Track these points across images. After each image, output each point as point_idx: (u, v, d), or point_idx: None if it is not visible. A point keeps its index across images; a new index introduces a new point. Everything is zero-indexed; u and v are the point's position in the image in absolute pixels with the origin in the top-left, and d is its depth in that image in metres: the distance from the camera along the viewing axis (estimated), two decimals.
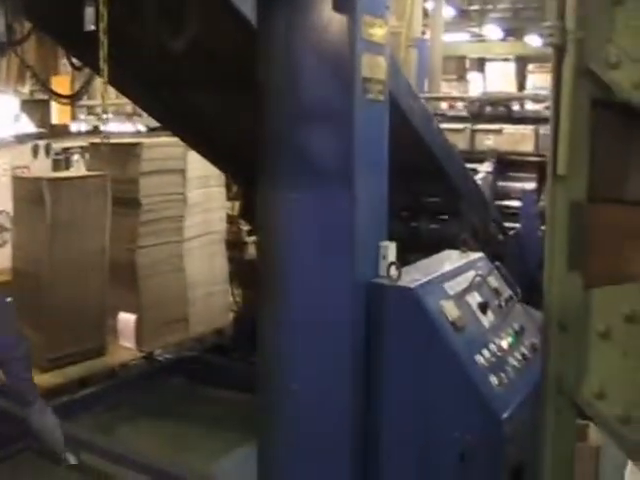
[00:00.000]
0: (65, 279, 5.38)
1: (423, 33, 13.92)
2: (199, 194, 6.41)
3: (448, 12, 18.19)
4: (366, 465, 3.01)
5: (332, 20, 2.80)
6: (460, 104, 10.02)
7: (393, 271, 2.95)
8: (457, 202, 4.81)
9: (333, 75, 2.83)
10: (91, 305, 5.57)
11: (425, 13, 14.19)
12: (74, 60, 4.99)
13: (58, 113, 12.06)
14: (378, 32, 2.88)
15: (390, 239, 3.05)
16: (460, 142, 7.46)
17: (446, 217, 4.89)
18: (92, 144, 6.58)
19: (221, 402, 5.59)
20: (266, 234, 3.18)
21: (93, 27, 3.37)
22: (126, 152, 5.84)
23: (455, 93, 15.82)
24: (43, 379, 5.20)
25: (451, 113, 9.24)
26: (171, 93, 4.89)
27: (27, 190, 5.47)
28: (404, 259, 3.13)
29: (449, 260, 3.47)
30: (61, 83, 9.48)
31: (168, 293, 6.26)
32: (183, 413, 5.38)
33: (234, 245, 6.75)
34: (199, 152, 5.74)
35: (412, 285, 2.93)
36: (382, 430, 2.99)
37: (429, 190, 4.72)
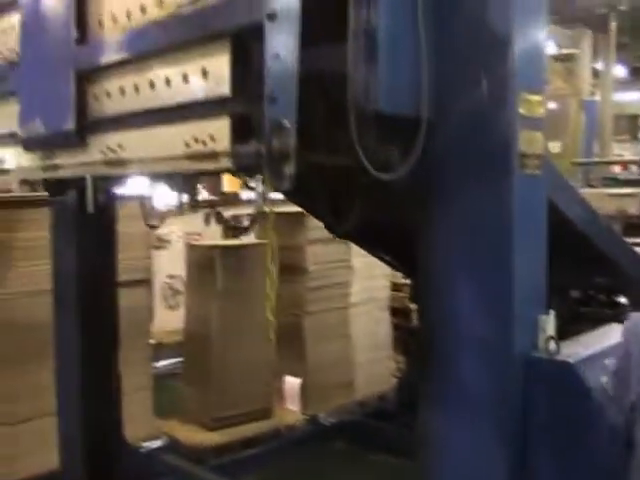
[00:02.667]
0: (233, 342, 5.60)
1: (592, 93, 13.64)
2: (363, 261, 6.54)
3: (619, 71, 17.76)
4: None
5: (490, 96, 2.85)
6: (634, 167, 9.75)
7: (551, 345, 2.92)
8: (628, 287, 4.61)
9: (490, 149, 2.87)
10: (258, 368, 5.76)
11: (595, 73, 13.92)
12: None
13: (229, 181, 12.58)
14: (536, 108, 2.91)
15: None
16: (631, 207, 7.23)
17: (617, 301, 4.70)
18: (261, 213, 6.87)
19: (384, 468, 5.61)
20: (426, 304, 3.21)
21: None
22: (293, 221, 6.06)
23: (628, 155, 15.34)
24: (209, 437, 5.42)
25: (623, 176, 9.00)
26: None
27: (199, 257, 5.77)
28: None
29: (613, 334, 3.36)
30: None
31: (333, 358, 6.39)
32: (345, 477, 5.44)
33: (398, 312, 6.81)
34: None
35: (571, 360, 2.87)
36: None
37: (590, 275, 4.56)
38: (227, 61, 2.39)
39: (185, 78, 2.56)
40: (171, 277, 8.46)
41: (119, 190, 4.08)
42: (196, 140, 2.55)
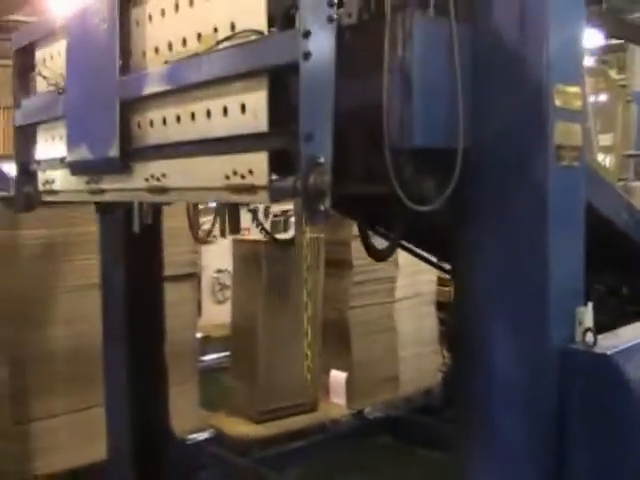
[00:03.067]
0: (279, 336, 5.65)
1: None
2: (409, 256, 6.52)
3: None
4: None
5: (525, 87, 2.85)
6: None
7: (589, 337, 2.90)
8: None
9: (526, 144, 2.87)
10: (304, 362, 5.80)
11: None
12: None
13: None
14: (573, 100, 2.89)
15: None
16: None
17: None
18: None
19: (429, 463, 5.62)
20: (461, 295, 3.22)
21: None
22: (338, 215, 6.08)
23: None
24: (255, 430, 5.49)
25: None
26: None
27: (245, 251, 5.84)
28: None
29: None
30: None
31: (379, 352, 6.41)
32: (390, 472, 5.46)
33: (445, 306, 6.80)
34: None
35: (609, 352, 2.85)
36: None
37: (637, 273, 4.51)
38: (264, 97, 2.40)
39: (225, 111, 2.58)
40: (219, 272, 8.58)
41: None
42: (235, 173, 2.55)
